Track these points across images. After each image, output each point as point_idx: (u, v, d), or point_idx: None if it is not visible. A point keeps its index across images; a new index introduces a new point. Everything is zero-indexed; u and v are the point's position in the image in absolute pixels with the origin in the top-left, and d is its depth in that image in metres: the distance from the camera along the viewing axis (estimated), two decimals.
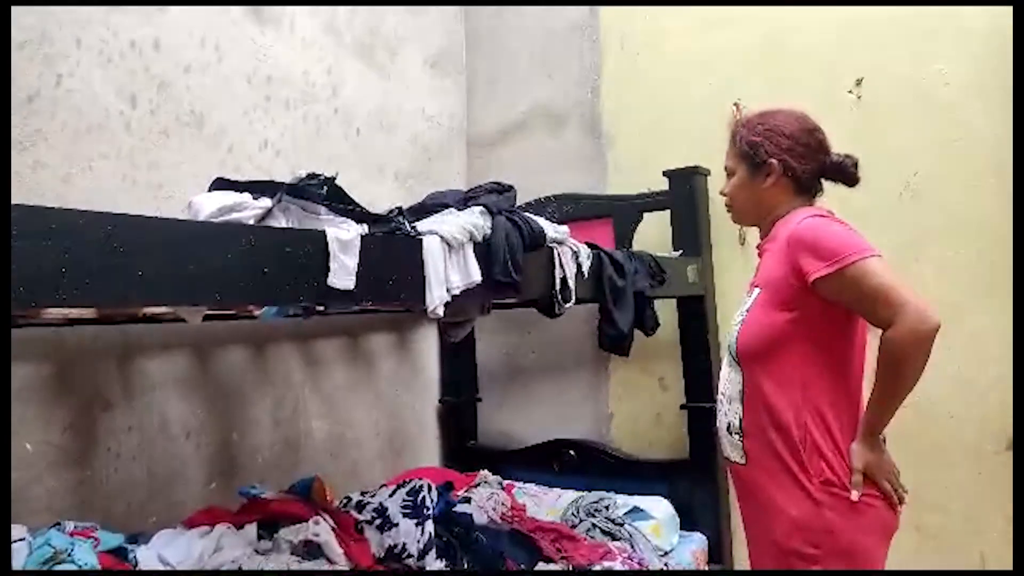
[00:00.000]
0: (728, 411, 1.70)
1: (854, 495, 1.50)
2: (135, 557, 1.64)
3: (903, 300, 1.42)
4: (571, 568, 2.00)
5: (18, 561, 1.45)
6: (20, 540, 1.51)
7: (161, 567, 1.64)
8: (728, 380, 1.71)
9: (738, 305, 1.79)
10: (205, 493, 2.20)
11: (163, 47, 2.14)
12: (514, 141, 3.08)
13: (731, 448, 1.71)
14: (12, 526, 1.58)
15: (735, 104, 2.47)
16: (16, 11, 1.81)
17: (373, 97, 2.80)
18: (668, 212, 2.56)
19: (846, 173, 1.65)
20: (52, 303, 0.89)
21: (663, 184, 2.56)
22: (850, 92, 2.38)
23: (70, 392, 1.95)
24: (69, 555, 1.47)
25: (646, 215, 2.63)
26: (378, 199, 2.78)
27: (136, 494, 2.06)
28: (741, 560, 2.15)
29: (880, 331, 1.46)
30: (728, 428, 1.70)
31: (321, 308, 2.14)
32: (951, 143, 2.25)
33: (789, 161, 1.62)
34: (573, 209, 2.72)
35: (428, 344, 3.02)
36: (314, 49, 2.58)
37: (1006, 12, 2.15)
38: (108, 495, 2.00)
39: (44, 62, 1.88)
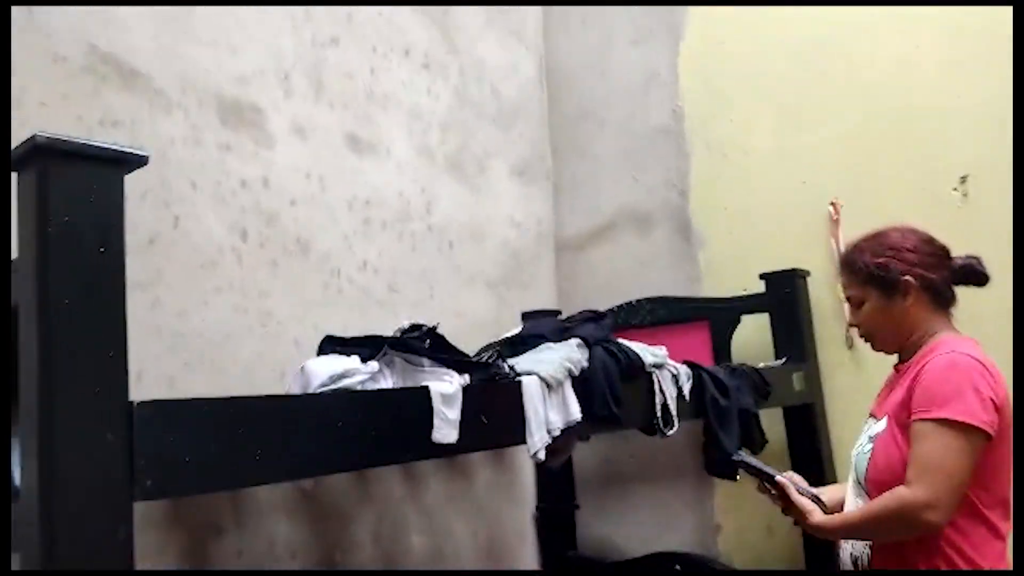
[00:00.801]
0: (854, 545, 1.61)
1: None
2: None
3: (934, 485, 1.39)
4: None
5: None
6: None
7: None
8: (856, 508, 1.62)
9: (863, 425, 1.71)
10: None
11: (272, 183, 2.28)
12: (603, 243, 3.09)
13: None
14: None
15: (832, 203, 2.42)
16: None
17: (464, 210, 2.88)
18: (767, 315, 2.48)
19: (976, 274, 1.59)
20: (176, 493, 0.93)
21: (758, 285, 2.50)
22: (955, 190, 2.28)
23: (184, 520, 2.01)
24: None
25: (744, 318, 2.56)
26: (471, 307, 2.83)
27: None
28: None
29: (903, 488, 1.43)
30: (855, 561, 1.61)
31: None
32: None
33: (924, 274, 1.56)
34: (667, 312, 2.68)
35: (523, 451, 2.99)
36: (408, 170, 2.69)
37: None
38: None
39: (163, 205, 2.02)
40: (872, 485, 1.55)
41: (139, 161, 0.93)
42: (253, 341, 2.15)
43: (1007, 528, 1.49)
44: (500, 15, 3.21)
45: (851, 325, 1.68)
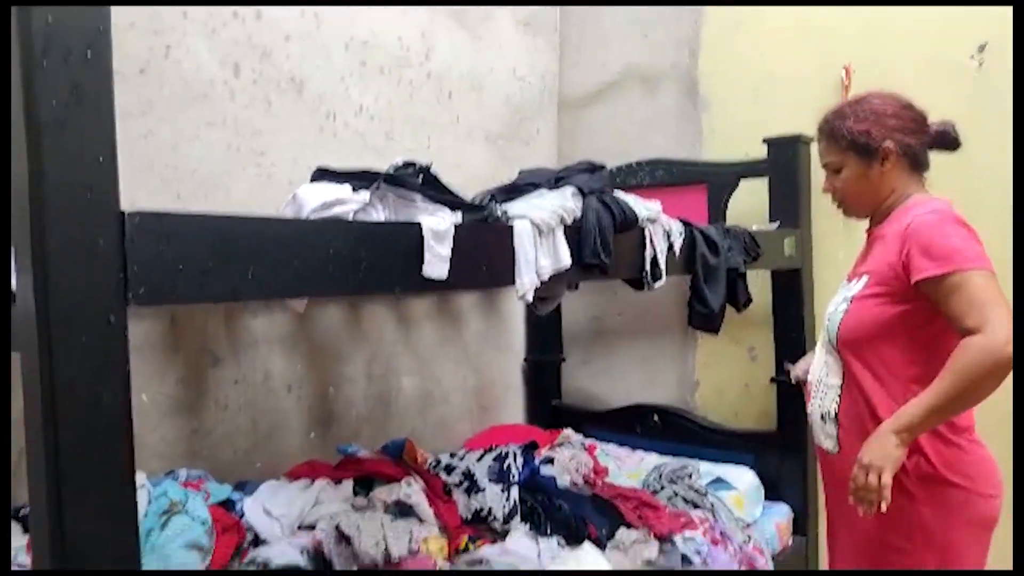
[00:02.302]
0: (824, 399, 1.68)
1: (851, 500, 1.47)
2: (242, 508, 1.77)
3: (996, 317, 1.36)
4: (652, 535, 2.03)
5: (140, 508, 1.59)
6: (140, 487, 1.65)
7: (266, 518, 1.76)
8: (824, 367, 1.69)
9: (839, 287, 1.75)
10: (304, 442, 2.34)
11: (264, 16, 2.19)
12: (606, 102, 3.02)
13: (824, 436, 1.69)
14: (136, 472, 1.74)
15: (845, 68, 2.34)
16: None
17: (465, 59, 2.79)
18: (766, 181, 2.47)
19: (950, 139, 1.60)
20: (170, 301, 0.96)
21: (761, 151, 2.47)
22: (972, 58, 2.21)
23: (182, 347, 2.09)
24: (184, 507, 1.60)
25: (742, 183, 2.55)
26: (469, 160, 2.80)
27: (241, 443, 2.21)
28: (825, 533, 2.14)
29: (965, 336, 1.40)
30: (822, 416, 1.68)
31: None
32: None
33: (904, 139, 1.57)
34: (666, 174, 2.66)
35: (514, 303, 3.06)
36: (408, 13, 2.58)
37: None
38: (216, 444, 2.15)
39: (152, 34, 1.95)
40: (844, 343, 1.60)
41: None
42: (246, 179, 2.15)
43: None
44: None
45: (826, 191, 1.69)
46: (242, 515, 1.75)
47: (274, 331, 2.29)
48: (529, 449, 2.38)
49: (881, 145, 1.56)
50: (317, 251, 1.10)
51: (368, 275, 1.17)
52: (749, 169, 2.51)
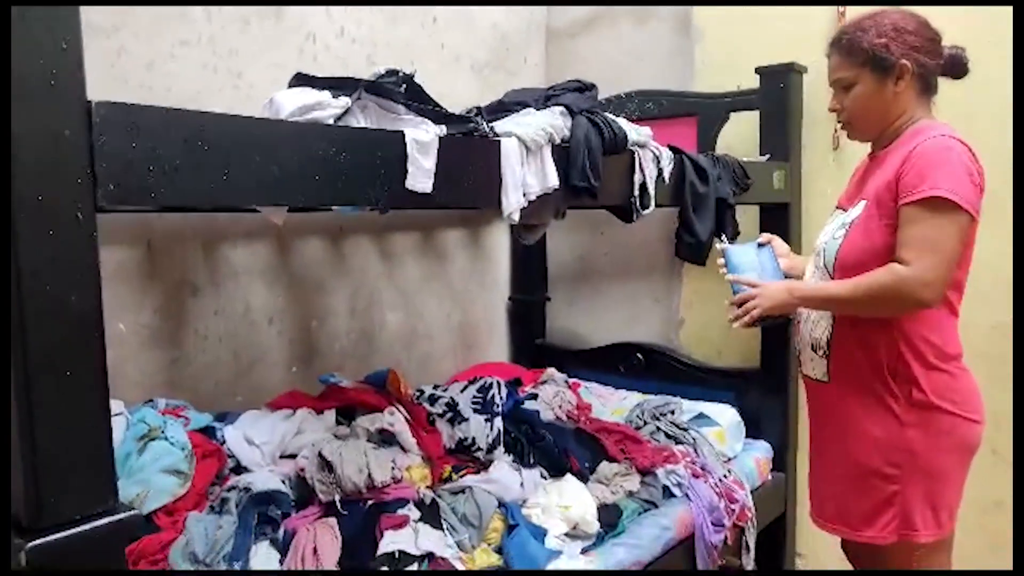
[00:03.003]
0: (816, 327, 1.67)
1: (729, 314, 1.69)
2: (223, 435, 1.75)
3: (929, 265, 1.41)
4: (634, 469, 2.04)
5: (117, 435, 1.56)
6: (118, 415, 1.62)
7: (247, 447, 1.74)
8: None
9: (831, 215, 1.72)
10: (286, 376, 2.32)
11: None
12: (596, 32, 2.94)
13: (813, 365, 1.69)
14: (111, 401, 1.71)
15: (840, 10, 2.28)
16: None
17: None
18: (757, 114, 2.42)
19: (961, 65, 1.58)
20: (139, 201, 0.91)
21: (754, 84, 2.42)
22: None
23: (160, 277, 2.04)
24: (162, 432, 1.58)
25: (734, 116, 2.50)
26: (454, 90, 2.73)
27: (222, 375, 2.18)
28: (805, 470, 2.15)
29: (900, 266, 1.45)
30: (814, 345, 1.67)
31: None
32: None
33: (920, 58, 1.52)
34: (656, 107, 2.60)
35: (500, 241, 3.03)
36: None
37: None
38: (196, 375, 2.12)
39: None
40: (841, 270, 1.57)
41: None
42: (223, 100, 2.07)
43: (959, 302, 1.55)
44: None
45: (833, 110, 1.64)
46: (223, 442, 1.73)
47: (255, 262, 2.24)
48: (513, 384, 2.37)
49: (899, 62, 1.51)
50: (296, 155, 1.05)
51: (348, 184, 1.13)
52: (740, 101, 2.45)
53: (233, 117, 1.00)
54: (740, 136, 2.49)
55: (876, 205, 1.52)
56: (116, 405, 1.67)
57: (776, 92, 2.34)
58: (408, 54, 2.53)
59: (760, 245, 1.83)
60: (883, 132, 1.58)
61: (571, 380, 2.67)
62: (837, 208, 1.71)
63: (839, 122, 1.65)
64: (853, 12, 2.24)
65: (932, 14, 1.58)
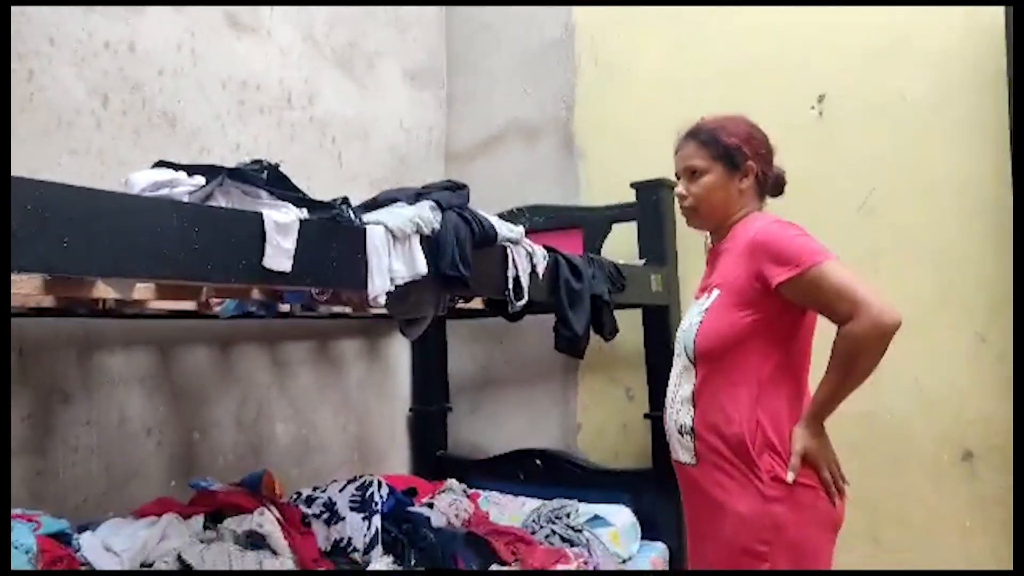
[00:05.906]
0: (680, 412, 1.72)
1: (789, 476, 1.53)
2: (78, 542, 1.64)
3: (863, 296, 1.49)
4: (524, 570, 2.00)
5: None
6: None
7: (105, 554, 1.64)
8: (680, 381, 1.73)
9: (689, 307, 1.82)
10: (164, 492, 2.20)
11: (138, 50, 2.19)
12: (491, 154, 3.13)
13: (682, 450, 1.72)
14: None
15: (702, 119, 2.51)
16: None
17: (351, 107, 2.85)
18: (635, 225, 2.59)
19: (780, 184, 1.76)
20: None
21: (632, 197, 2.60)
22: (812, 108, 2.42)
23: (30, 382, 1.96)
24: None
25: (616, 227, 2.66)
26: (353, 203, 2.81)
27: (94, 488, 2.06)
28: None
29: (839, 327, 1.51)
30: (680, 430, 1.71)
31: (285, 308, 2.16)
32: (908, 161, 2.29)
33: (763, 166, 1.70)
34: (544, 220, 2.75)
35: (399, 351, 3.04)
36: (291, 57, 2.63)
37: (959, 33, 2.20)
38: (65, 487, 2.00)
39: (16, 58, 1.92)
40: (701, 354, 1.64)
41: None
42: None
43: (807, 378, 1.63)
44: None
45: (679, 195, 1.76)
46: (78, 549, 1.62)
47: (134, 369, 2.18)
48: (408, 493, 2.32)
49: (747, 162, 1.68)
50: (144, 229, 1.08)
51: (201, 260, 1.15)
52: (620, 213, 2.62)
53: (76, 188, 1.03)
54: (623, 244, 2.63)
55: (728, 292, 1.62)
56: None
57: (651, 204, 2.52)
58: (305, 170, 2.63)
59: None
60: (722, 223, 1.72)
61: (471, 490, 2.63)
62: (695, 298, 1.81)
63: (683, 207, 1.77)
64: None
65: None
